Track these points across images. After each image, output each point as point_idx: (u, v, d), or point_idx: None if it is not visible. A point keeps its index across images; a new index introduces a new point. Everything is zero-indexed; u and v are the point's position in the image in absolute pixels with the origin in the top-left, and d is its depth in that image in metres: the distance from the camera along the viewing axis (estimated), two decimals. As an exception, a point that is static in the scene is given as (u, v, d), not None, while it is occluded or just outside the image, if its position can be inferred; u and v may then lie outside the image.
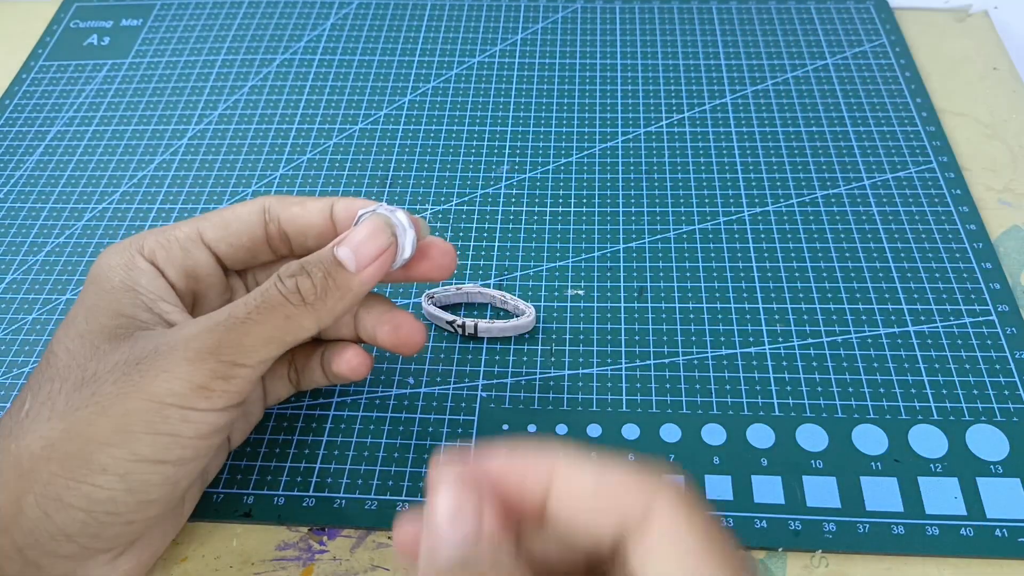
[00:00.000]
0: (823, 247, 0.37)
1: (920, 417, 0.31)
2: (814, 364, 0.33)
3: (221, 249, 0.27)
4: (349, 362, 0.28)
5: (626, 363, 0.33)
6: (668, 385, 0.32)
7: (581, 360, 0.33)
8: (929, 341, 0.33)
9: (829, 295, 0.35)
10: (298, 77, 0.46)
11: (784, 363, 0.33)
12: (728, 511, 0.29)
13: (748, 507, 0.29)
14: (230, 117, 0.44)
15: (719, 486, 0.29)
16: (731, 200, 0.39)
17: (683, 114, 0.43)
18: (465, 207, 0.39)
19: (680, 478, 0.29)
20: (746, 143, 0.41)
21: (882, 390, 0.32)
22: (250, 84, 0.46)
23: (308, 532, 0.29)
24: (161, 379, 0.23)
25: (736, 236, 0.37)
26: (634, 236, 0.37)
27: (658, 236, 0.37)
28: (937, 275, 0.35)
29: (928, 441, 0.30)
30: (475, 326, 0.33)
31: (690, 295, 0.35)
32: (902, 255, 0.36)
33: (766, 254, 0.36)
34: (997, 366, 0.32)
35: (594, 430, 0.31)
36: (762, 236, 0.37)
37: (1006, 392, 0.31)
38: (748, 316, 0.34)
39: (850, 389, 0.32)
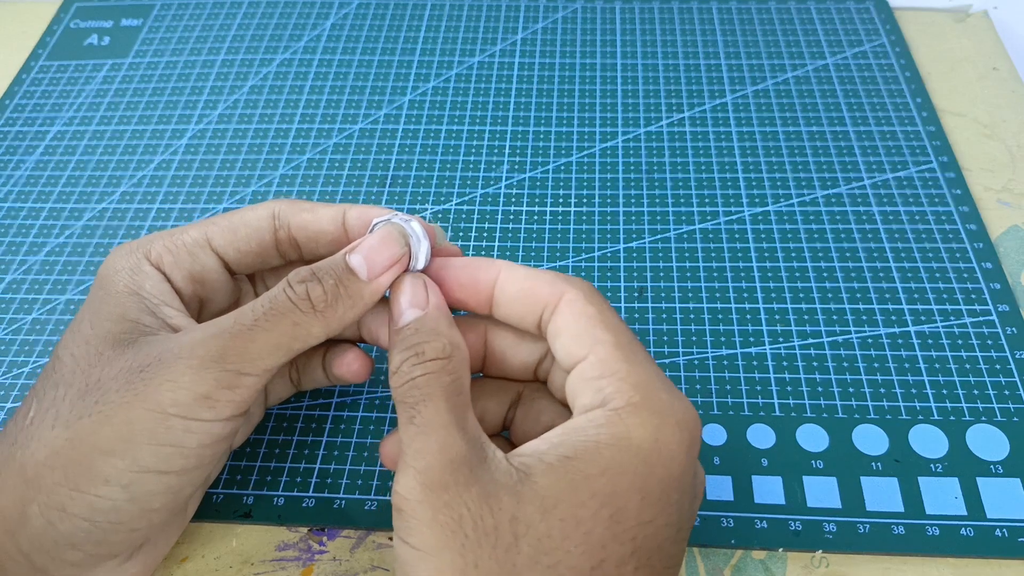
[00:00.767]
0: (823, 247, 0.37)
1: (920, 417, 0.31)
2: (814, 364, 0.33)
3: (229, 254, 0.27)
4: (350, 365, 0.28)
5: (626, 363, 0.33)
6: (668, 385, 0.32)
7: (581, 360, 0.33)
8: (929, 341, 0.33)
9: (829, 295, 0.35)
10: (298, 77, 0.46)
11: (784, 363, 0.33)
12: (728, 511, 0.29)
13: (748, 507, 0.29)
14: (230, 117, 0.44)
15: (719, 486, 0.29)
16: (731, 200, 0.39)
17: (683, 114, 0.43)
18: (465, 207, 0.39)
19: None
20: (746, 143, 0.41)
21: (882, 390, 0.32)
22: (250, 84, 0.46)
23: (308, 532, 0.29)
24: (165, 388, 0.22)
25: (736, 236, 0.37)
26: (634, 236, 0.37)
27: (658, 236, 0.37)
28: (937, 275, 0.35)
29: (928, 441, 0.30)
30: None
31: (690, 295, 0.35)
32: (902, 255, 0.36)
33: (766, 254, 0.36)
34: (997, 366, 0.32)
35: (594, 430, 0.31)
36: (762, 236, 0.37)
37: (1006, 392, 0.31)
38: (748, 316, 0.34)
39: (850, 389, 0.32)
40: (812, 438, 0.30)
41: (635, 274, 0.36)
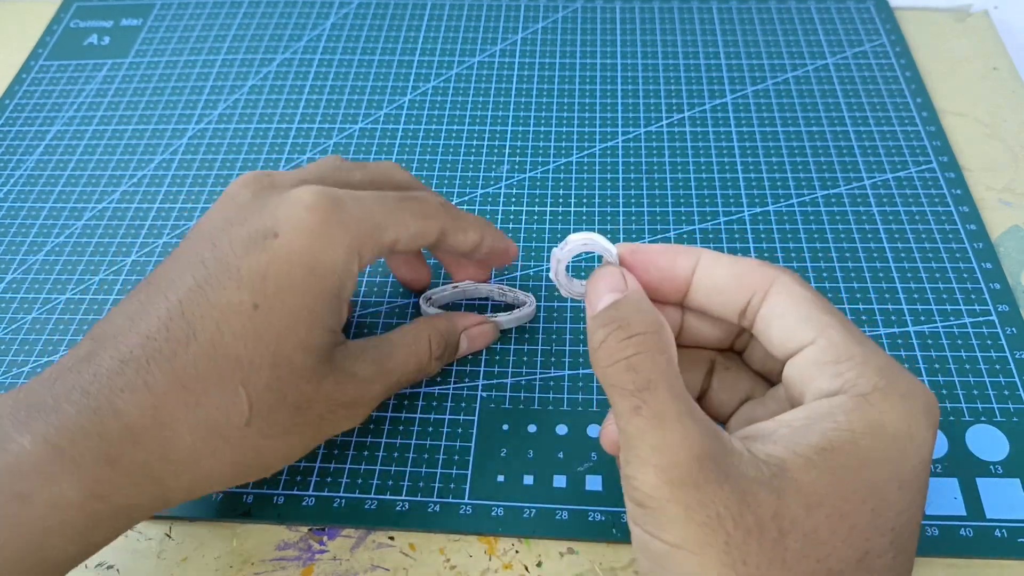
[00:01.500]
0: (823, 247, 0.37)
1: (920, 417, 0.31)
2: (814, 364, 0.32)
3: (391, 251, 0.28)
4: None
5: (626, 363, 0.33)
6: (668, 385, 0.32)
7: (581, 360, 0.33)
8: (929, 341, 0.33)
9: (829, 295, 0.35)
10: (298, 77, 0.46)
11: (784, 363, 0.33)
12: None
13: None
14: (230, 117, 0.44)
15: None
16: (731, 200, 0.39)
17: (683, 114, 0.43)
18: (465, 207, 0.39)
19: None
20: (746, 143, 0.41)
21: (882, 390, 0.32)
22: (250, 84, 0.46)
23: (308, 532, 0.29)
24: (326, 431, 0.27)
25: (736, 236, 0.37)
26: (634, 236, 0.37)
27: (658, 236, 0.37)
28: (937, 275, 0.35)
29: (928, 441, 0.30)
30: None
31: (690, 295, 0.35)
32: (902, 255, 0.36)
33: (766, 254, 0.36)
34: (997, 366, 0.32)
35: (594, 430, 0.31)
36: (762, 236, 0.37)
37: (1006, 392, 0.31)
38: (748, 316, 0.34)
39: (850, 389, 0.32)
40: (812, 438, 0.30)
41: (635, 274, 0.36)
